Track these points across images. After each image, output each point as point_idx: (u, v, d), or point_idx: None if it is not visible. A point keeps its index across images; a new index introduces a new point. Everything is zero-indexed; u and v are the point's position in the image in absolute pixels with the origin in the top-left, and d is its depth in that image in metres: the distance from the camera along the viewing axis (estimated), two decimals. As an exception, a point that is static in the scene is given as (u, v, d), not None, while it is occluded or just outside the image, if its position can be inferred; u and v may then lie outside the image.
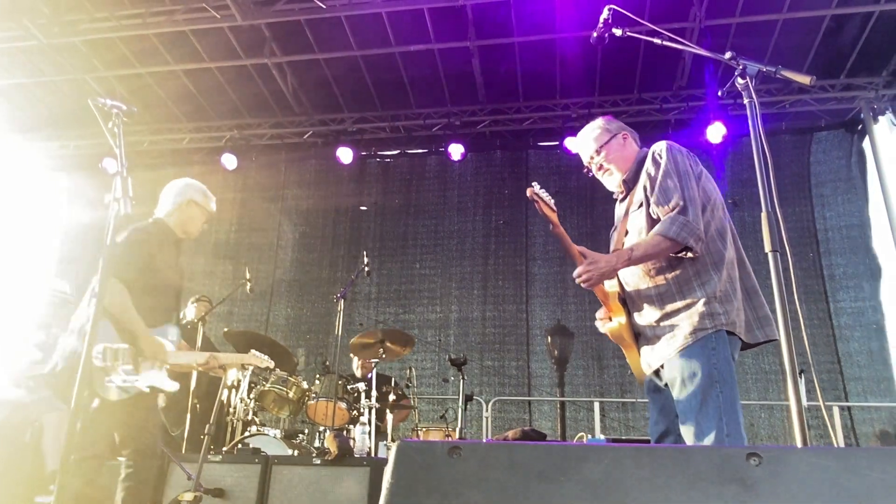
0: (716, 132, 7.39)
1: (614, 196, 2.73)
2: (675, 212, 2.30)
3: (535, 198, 2.40)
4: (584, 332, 7.76)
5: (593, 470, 0.92)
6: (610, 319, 2.53)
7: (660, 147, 2.47)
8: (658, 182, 2.39)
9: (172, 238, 3.41)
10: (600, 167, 2.65)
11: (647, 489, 0.89)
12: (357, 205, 8.92)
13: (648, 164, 2.47)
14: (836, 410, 6.75)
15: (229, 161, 8.59)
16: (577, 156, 8.55)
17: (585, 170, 2.72)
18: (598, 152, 2.64)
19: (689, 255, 2.30)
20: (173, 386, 3.21)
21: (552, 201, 2.43)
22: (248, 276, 5.87)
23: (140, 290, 3.09)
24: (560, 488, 0.91)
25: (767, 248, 1.93)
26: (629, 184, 2.59)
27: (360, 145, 8.78)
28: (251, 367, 5.30)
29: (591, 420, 7.20)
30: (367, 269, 5.63)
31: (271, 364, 4.01)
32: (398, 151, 9.09)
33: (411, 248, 8.64)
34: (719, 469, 0.91)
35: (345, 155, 8.44)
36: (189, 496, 3.59)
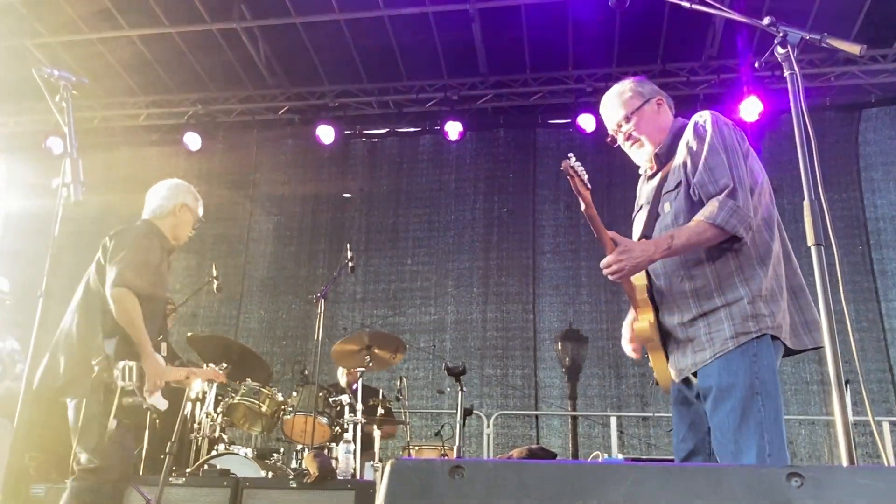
0: (751, 108, 7.39)
1: (640, 171, 2.70)
2: (723, 194, 2.26)
3: (571, 172, 2.33)
4: (599, 336, 7.79)
5: (613, 492, 0.93)
6: (637, 319, 2.50)
7: (703, 117, 2.43)
8: (704, 158, 2.34)
9: (166, 245, 3.57)
10: (629, 137, 2.59)
11: None
12: (340, 191, 8.92)
13: (690, 136, 2.42)
14: (886, 426, 6.79)
15: (192, 140, 8.56)
16: (592, 135, 8.52)
17: (610, 139, 2.68)
18: (627, 119, 2.59)
19: (737, 245, 2.28)
20: (164, 405, 3.39)
21: (587, 178, 2.36)
22: (214, 272, 5.87)
23: (144, 301, 3.27)
24: None
25: (810, 241, 1.93)
26: (662, 158, 2.55)
27: (344, 123, 8.77)
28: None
29: (608, 437, 7.24)
30: (350, 264, 5.64)
31: (223, 378, 4.18)
32: (387, 130, 9.09)
33: (402, 242, 8.65)
34: (756, 491, 0.92)
35: (325, 134, 8.42)
36: (148, 523, 3.62)
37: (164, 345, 3.49)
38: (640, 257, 2.31)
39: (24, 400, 2.25)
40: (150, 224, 3.57)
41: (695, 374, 2.35)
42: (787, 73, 2.09)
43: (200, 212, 3.80)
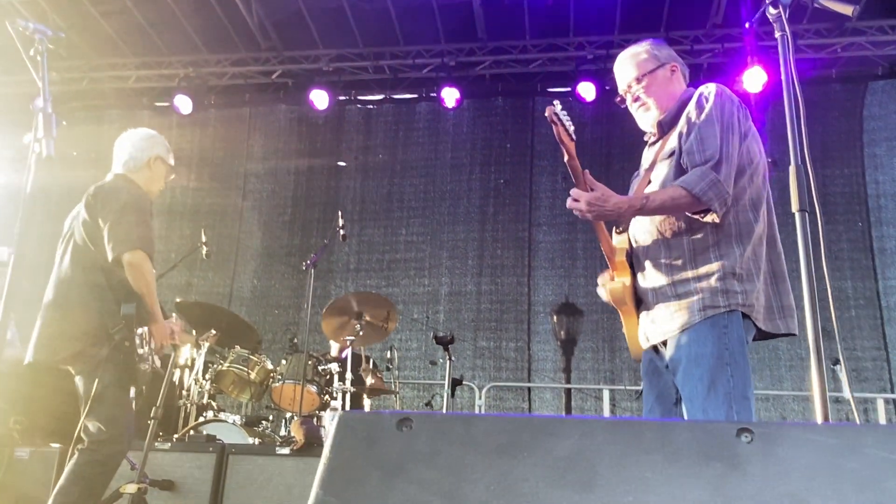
0: (754, 78, 7.34)
1: (645, 138, 2.70)
2: (707, 165, 2.28)
3: (555, 119, 2.32)
4: (594, 310, 7.81)
5: (561, 445, 0.94)
6: (612, 280, 2.53)
7: (708, 89, 2.44)
8: (697, 128, 2.36)
9: (147, 197, 3.52)
10: (637, 99, 2.59)
11: (618, 466, 0.91)
12: (334, 159, 8.88)
13: (691, 106, 2.43)
14: (880, 403, 6.85)
15: (183, 104, 8.49)
16: (592, 104, 8.43)
17: (619, 98, 2.67)
18: (638, 81, 2.58)
19: (710, 219, 2.29)
20: (159, 369, 3.46)
21: (572, 129, 2.36)
22: (203, 239, 5.89)
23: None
24: (520, 464, 0.93)
25: (795, 206, 1.93)
26: (664, 126, 2.55)
27: (338, 88, 8.70)
28: (206, 344, 5.35)
29: (600, 410, 7.31)
30: (342, 232, 5.65)
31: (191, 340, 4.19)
32: (382, 96, 9.02)
33: (396, 211, 8.63)
34: (704, 445, 0.93)
35: (319, 99, 8.36)
36: (132, 488, 3.64)
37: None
38: (611, 209, 2.33)
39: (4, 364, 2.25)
40: (125, 179, 3.49)
41: (664, 345, 2.38)
42: (777, 35, 2.09)
43: (172, 161, 3.71)
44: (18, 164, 8.85)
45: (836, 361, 6.68)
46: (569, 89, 8.33)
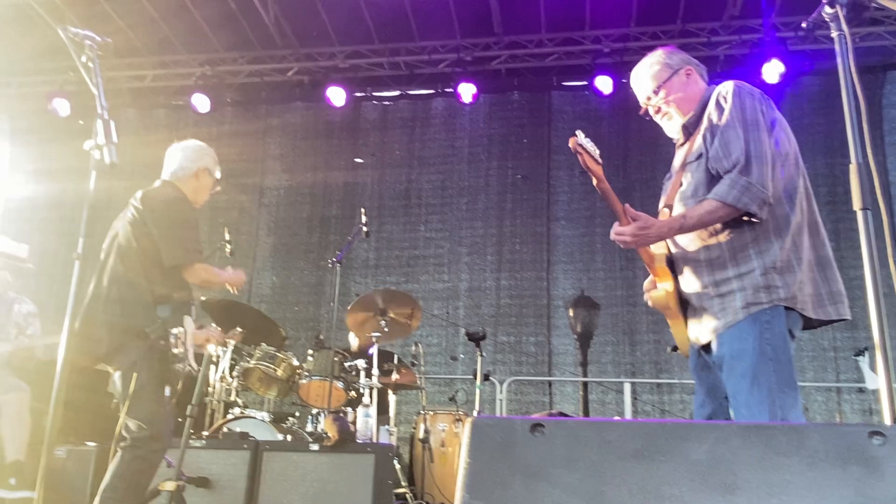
0: (772, 70, 7.34)
1: (674, 141, 2.73)
2: (735, 170, 2.29)
3: (580, 150, 2.35)
4: (613, 303, 7.84)
5: (696, 449, 0.97)
6: (655, 286, 2.57)
7: (726, 88, 2.45)
8: (720, 131, 2.38)
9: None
10: (658, 110, 2.64)
11: (759, 469, 0.95)
12: (351, 156, 8.91)
13: (711, 107, 2.46)
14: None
15: (201, 102, 8.55)
16: (609, 98, 8.45)
17: (643, 111, 2.71)
18: (656, 92, 2.62)
19: (753, 220, 2.31)
20: (196, 367, 3.51)
21: (597, 153, 2.40)
22: (227, 237, 5.94)
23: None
24: (660, 468, 0.97)
25: (857, 205, 1.94)
26: (689, 129, 2.58)
27: (354, 84, 8.74)
28: (232, 342, 5.41)
29: (621, 403, 7.34)
30: (365, 229, 5.69)
31: (218, 339, 4.27)
32: (399, 92, 9.05)
33: (415, 208, 8.67)
34: (839, 448, 0.96)
35: (336, 96, 8.40)
36: (171, 485, 3.70)
37: (193, 308, 3.55)
38: (654, 236, 2.41)
39: (63, 367, 2.30)
40: (172, 186, 3.58)
41: (711, 342, 2.40)
42: (835, 34, 2.10)
43: (218, 175, 3.82)
44: (39, 158, 8.93)
45: (860, 352, 6.70)
46: (585, 83, 8.35)
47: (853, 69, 2.01)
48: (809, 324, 2.38)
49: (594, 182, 2.42)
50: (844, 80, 2.00)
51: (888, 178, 7.64)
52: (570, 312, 8.02)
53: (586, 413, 7.54)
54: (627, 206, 2.41)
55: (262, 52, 8.72)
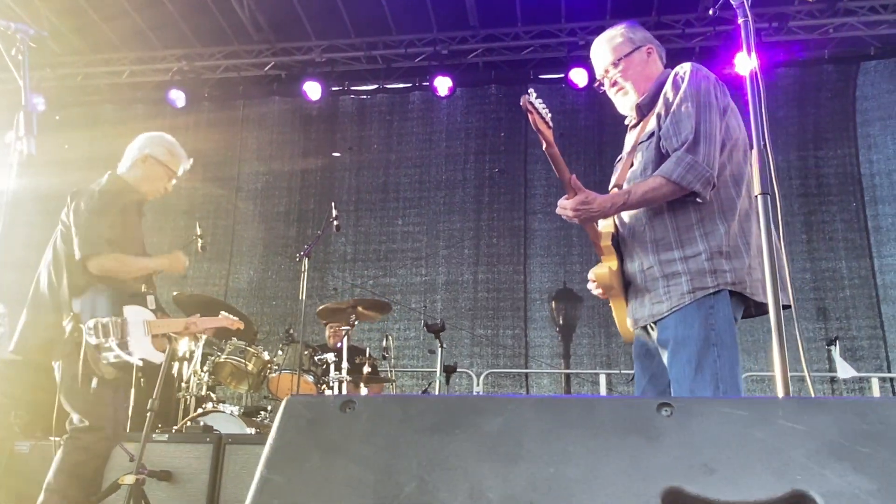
0: (745, 61, 7.36)
1: (626, 122, 2.71)
2: (683, 148, 2.29)
3: (529, 108, 2.32)
4: (589, 296, 7.74)
5: (491, 422, 0.99)
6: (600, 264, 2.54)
7: (683, 69, 2.45)
8: (672, 109, 2.37)
9: (133, 196, 3.56)
10: (614, 83, 2.60)
11: (543, 440, 0.97)
12: (328, 150, 8.91)
13: (668, 87, 2.44)
14: (875, 382, 6.91)
15: (177, 98, 8.56)
16: (584, 90, 8.43)
17: (597, 84, 2.68)
18: (614, 65, 2.59)
19: (697, 199, 2.31)
20: (160, 358, 3.43)
21: (549, 116, 2.36)
22: (198, 231, 5.92)
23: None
24: (452, 441, 0.99)
25: (756, 190, 1.96)
26: (643, 109, 2.56)
27: (331, 79, 8.73)
28: (203, 337, 5.42)
29: (598, 393, 7.38)
30: (336, 223, 5.69)
31: (241, 325, 4.22)
32: (375, 86, 9.04)
33: (392, 202, 8.68)
34: (625, 420, 0.99)
35: (312, 90, 8.40)
36: (130, 479, 3.71)
37: (150, 298, 3.50)
38: (596, 211, 2.38)
39: (4, 361, 2.32)
40: (112, 178, 3.54)
41: (653, 326, 2.39)
42: (740, 21, 2.12)
43: (179, 166, 3.73)
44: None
45: (831, 342, 6.74)
46: (561, 76, 8.36)
47: (755, 55, 2.01)
48: (757, 310, 2.38)
49: (543, 146, 2.38)
50: (749, 67, 2.01)
51: (860, 169, 7.68)
52: (553, 305, 8.05)
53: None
54: (574, 177, 2.38)
55: (239, 47, 8.70)
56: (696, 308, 2.27)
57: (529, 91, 2.35)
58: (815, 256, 7.30)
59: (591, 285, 2.63)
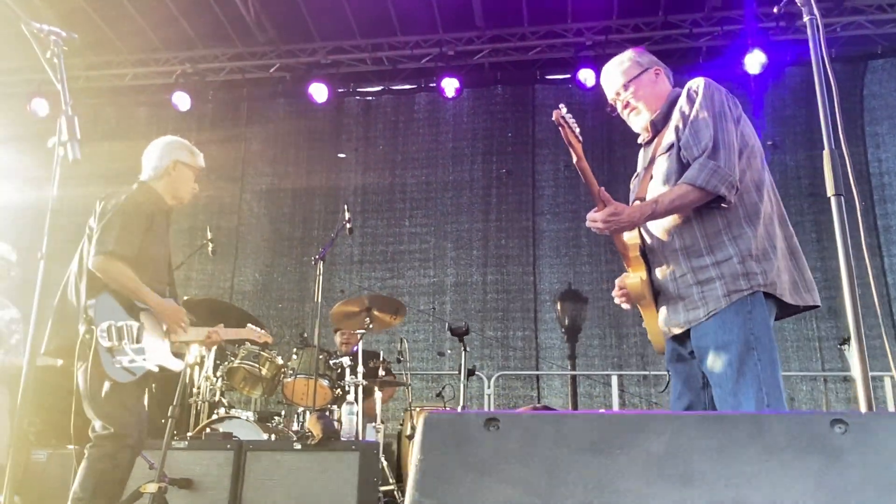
0: (754, 61, 7.34)
1: (639, 140, 2.77)
2: (704, 155, 2.35)
3: (562, 122, 2.42)
4: (599, 296, 7.84)
5: (653, 441, 0.94)
6: (629, 275, 2.58)
7: (696, 83, 2.52)
8: (690, 121, 2.44)
9: (163, 206, 3.54)
10: (627, 105, 2.69)
11: (716, 460, 0.92)
12: (334, 151, 8.85)
13: (682, 100, 2.52)
14: (887, 381, 6.89)
15: (181, 100, 8.47)
16: (592, 90, 8.42)
17: (609, 108, 2.76)
18: (625, 87, 2.67)
19: (723, 205, 2.35)
20: (179, 365, 3.43)
21: (578, 130, 2.46)
22: (209, 235, 5.87)
23: (139, 265, 3.26)
24: (615, 462, 0.93)
25: (830, 191, 1.94)
26: (657, 125, 2.64)
27: (337, 80, 8.67)
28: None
29: (609, 396, 7.34)
30: (349, 225, 5.64)
31: (269, 339, 4.16)
32: (381, 88, 9.00)
33: (399, 203, 8.62)
34: (800, 438, 0.93)
35: (318, 92, 8.34)
36: (153, 487, 3.64)
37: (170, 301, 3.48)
38: (626, 221, 2.44)
39: (28, 366, 2.25)
40: (142, 187, 3.52)
41: (687, 333, 2.42)
42: (806, 19, 2.09)
43: (200, 163, 3.72)
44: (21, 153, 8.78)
45: (844, 341, 6.72)
46: (569, 76, 8.33)
47: (824, 54, 1.98)
48: (783, 312, 2.42)
49: (574, 160, 2.47)
50: (816, 65, 1.98)
51: (868, 168, 7.67)
52: (558, 306, 8.02)
53: (575, 406, 7.54)
54: (602, 189, 2.45)
55: (244, 49, 8.63)
56: (734, 313, 2.30)
57: (560, 106, 2.46)
58: (825, 255, 7.28)
59: (617, 295, 2.68)
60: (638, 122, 2.69)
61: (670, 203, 2.38)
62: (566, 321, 7.97)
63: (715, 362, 2.30)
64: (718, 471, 0.91)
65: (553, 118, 2.42)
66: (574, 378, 7.73)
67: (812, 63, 2.04)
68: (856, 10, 7.54)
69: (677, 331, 2.44)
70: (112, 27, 8.30)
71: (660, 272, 2.50)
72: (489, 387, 7.32)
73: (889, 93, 7.89)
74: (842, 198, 1.91)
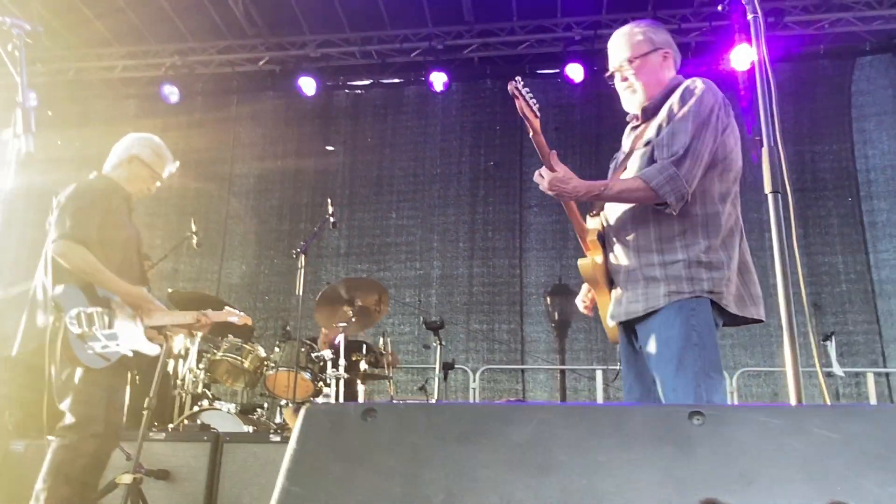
0: (742, 57, 7.35)
1: (627, 119, 2.72)
2: (670, 159, 2.33)
3: (516, 93, 2.37)
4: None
5: (519, 431, 0.97)
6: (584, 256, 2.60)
7: (695, 84, 2.46)
8: (673, 122, 2.40)
9: (121, 193, 3.48)
10: (625, 79, 2.60)
11: (575, 451, 0.95)
12: (322, 144, 8.87)
13: (675, 98, 2.46)
14: (870, 377, 6.93)
15: (171, 93, 8.49)
16: (580, 85, 8.41)
17: (608, 75, 2.67)
18: (630, 62, 2.58)
19: (667, 211, 2.35)
20: (154, 349, 3.37)
21: (536, 106, 2.42)
22: (193, 228, 5.87)
23: (101, 249, 3.20)
24: (480, 451, 0.97)
25: (767, 188, 1.96)
26: (647, 113, 2.58)
27: (326, 74, 8.67)
28: (199, 334, 5.37)
29: (594, 390, 7.37)
30: (332, 219, 5.64)
31: (248, 320, 4.17)
32: (370, 81, 9.00)
33: (386, 195, 8.64)
34: (657, 429, 0.97)
35: (307, 85, 8.35)
36: (128, 478, 3.66)
37: (143, 290, 3.43)
38: (569, 190, 2.42)
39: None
40: (99, 176, 3.49)
41: (635, 328, 2.45)
42: (749, 17, 2.10)
43: (164, 169, 3.65)
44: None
45: (827, 337, 6.75)
46: (557, 71, 8.34)
47: (765, 53, 2.00)
48: (731, 322, 2.44)
49: (529, 133, 2.43)
50: (758, 64, 2.00)
51: (856, 164, 7.70)
52: (548, 300, 8.04)
53: (563, 400, 7.58)
54: (554, 153, 2.44)
55: (233, 42, 8.63)
56: (676, 310, 2.32)
57: (517, 78, 2.40)
58: (811, 251, 7.32)
59: (578, 300, 2.74)
60: (631, 101, 2.61)
61: (619, 192, 2.39)
62: (556, 315, 7.99)
63: (657, 357, 2.33)
64: (575, 460, 0.94)
65: (508, 89, 2.37)
66: (563, 372, 7.77)
67: (756, 61, 2.06)
68: (844, 7, 7.54)
69: (616, 320, 2.48)
70: (102, 20, 8.30)
71: (613, 262, 2.51)
72: (474, 380, 7.36)
73: (877, 89, 7.90)
74: (778, 195, 1.93)
